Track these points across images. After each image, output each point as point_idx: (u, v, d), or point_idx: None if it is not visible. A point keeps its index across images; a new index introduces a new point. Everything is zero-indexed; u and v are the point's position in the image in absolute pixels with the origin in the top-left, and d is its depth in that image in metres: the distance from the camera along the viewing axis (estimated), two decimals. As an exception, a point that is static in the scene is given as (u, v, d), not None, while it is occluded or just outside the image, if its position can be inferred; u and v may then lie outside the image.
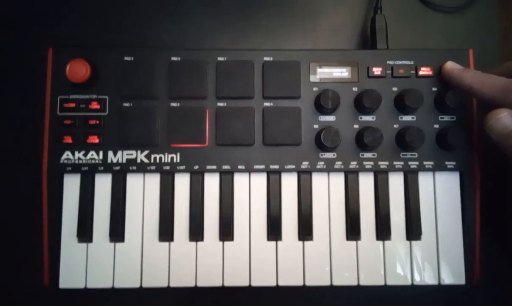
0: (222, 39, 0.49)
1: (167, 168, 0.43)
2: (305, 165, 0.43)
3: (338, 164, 0.43)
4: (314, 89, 0.44)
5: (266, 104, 0.43)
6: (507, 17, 0.51)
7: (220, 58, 0.44)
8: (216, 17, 0.50)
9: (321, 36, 0.50)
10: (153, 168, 0.43)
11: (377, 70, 0.44)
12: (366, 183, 0.44)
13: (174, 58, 0.44)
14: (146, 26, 0.50)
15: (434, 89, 0.44)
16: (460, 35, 0.51)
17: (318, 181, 0.44)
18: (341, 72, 0.44)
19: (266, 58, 0.44)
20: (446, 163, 0.43)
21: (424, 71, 0.44)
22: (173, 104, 0.43)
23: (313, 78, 0.44)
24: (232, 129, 0.43)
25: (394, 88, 0.44)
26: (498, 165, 0.45)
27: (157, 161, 0.43)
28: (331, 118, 0.43)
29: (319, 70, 0.44)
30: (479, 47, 0.48)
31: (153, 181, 0.44)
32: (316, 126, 0.43)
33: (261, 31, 0.50)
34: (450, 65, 0.42)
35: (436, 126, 0.43)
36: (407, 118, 0.43)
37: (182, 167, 0.43)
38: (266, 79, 0.44)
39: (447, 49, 0.44)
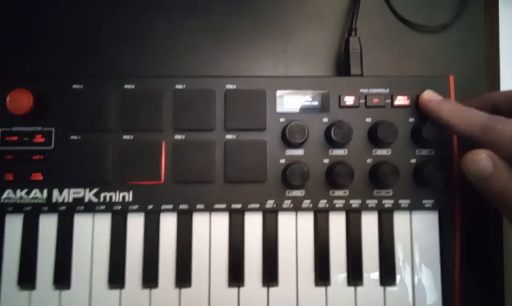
0: (181, 65, 0.46)
1: (119, 207, 0.39)
2: (270, 203, 0.39)
3: (307, 203, 0.39)
4: (281, 120, 0.40)
5: (228, 137, 0.40)
6: (490, 39, 0.48)
7: (179, 86, 0.40)
8: (175, 40, 0.46)
9: (292, 59, 0.47)
10: (102, 207, 0.39)
11: (349, 100, 0.40)
12: (336, 223, 0.40)
13: (127, 86, 0.40)
14: (98, 51, 0.46)
15: (411, 120, 0.40)
16: (441, 58, 0.48)
17: (285, 221, 0.40)
18: (310, 102, 0.40)
19: (228, 86, 0.40)
20: (424, 201, 0.39)
21: (401, 100, 0.40)
22: (126, 137, 0.40)
23: (280, 108, 0.40)
24: (191, 165, 0.39)
25: (368, 119, 0.40)
26: (479, 203, 0.41)
27: (107, 199, 0.39)
28: (299, 152, 0.40)
29: (286, 99, 0.40)
30: (460, 72, 0.45)
31: (103, 222, 0.40)
32: (282, 161, 0.40)
33: (227, 54, 0.46)
34: (427, 95, 0.39)
35: (413, 161, 0.40)
36: (382, 152, 0.40)
37: (135, 207, 0.39)
38: (229, 109, 0.40)
39: (426, 76, 0.41)
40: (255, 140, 0.40)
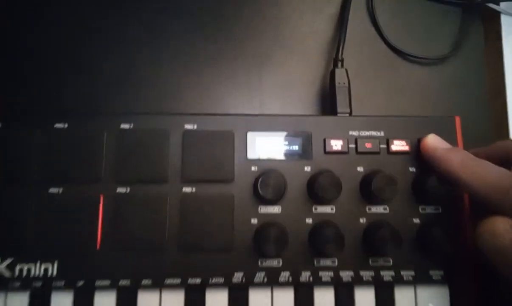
0: (129, 100, 0.38)
1: (39, 284, 0.30)
2: (238, 277, 0.31)
3: (285, 275, 0.31)
4: (253, 169, 0.32)
5: (186, 190, 0.31)
6: (495, 73, 0.42)
7: (124, 126, 0.32)
8: (123, 68, 0.38)
9: (267, 93, 0.39)
10: (18, 284, 0.30)
11: (336, 144, 0.33)
12: (323, 300, 0.32)
13: (58, 126, 0.31)
14: (16, 83, 0.37)
15: (411, 169, 0.33)
16: (439, 94, 0.41)
17: (257, 299, 0.31)
18: (289, 146, 0.33)
19: (187, 126, 0.32)
20: (431, 272, 0.31)
21: (398, 145, 0.33)
22: (53, 190, 0.31)
23: (251, 154, 0.32)
24: (136, 227, 0.30)
25: (360, 169, 0.32)
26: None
27: (25, 273, 0.30)
28: (275, 209, 0.32)
29: (259, 143, 0.32)
30: (461, 109, 0.39)
31: (19, 303, 0.30)
32: (254, 221, 0.31)
33: (188, 87, 0.38)
34: (431, 141, 0.31)
35: (416, 220, 0.32)
36: (378, 209, 0.32)
37: (61, 283, 0.30)
38: (187, 155, 0.32)
39: (427, 117, 0.34)
40: (220, 194, 0.31)
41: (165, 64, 0.38)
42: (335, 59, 0.38)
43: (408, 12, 0.42)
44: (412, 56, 0.41)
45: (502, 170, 0.27)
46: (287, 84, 0.40)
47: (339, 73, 0.37)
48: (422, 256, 0.31)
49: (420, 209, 0.32)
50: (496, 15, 0.42)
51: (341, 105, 0.36)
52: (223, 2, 0.41)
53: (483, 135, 0.40)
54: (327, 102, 0.38)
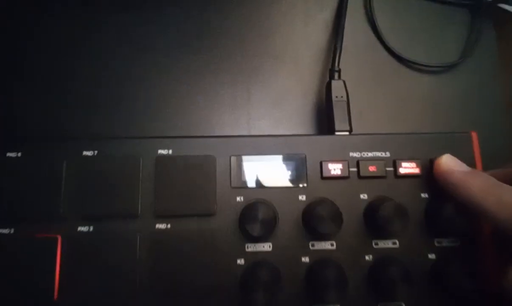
0: (92, 122, 0.33)
1: (-16, 344, 0.25)
2: (222, 329, 0.26)
3: (278, 326, 0.26)
4: (238, 199, 0.27)
5: (159, 226, 0.27)
6: (510, 80, 0.37)
7: (87, 153, 0.27)
8: (87, 85, 0.34)
9: (256, 110, 0.35)
10: (-42, 345, 0.25)
11: (335, 168, 0.28)
12: (324, 355, 0.27)
13: (10, 155, 0.27)
14: None
15: (423, 196, 0.28)
16: (448, 106, 0.37)
17: (245, 355, 0.26)
18: (280, 172, 0.28)
19: (161, 152, 0.28)
20: (450, 318, 0.27)
21: (408, 168, 0.28)
22: (2, 231, 0.26)
23: (236, 182, 0.28)
24: (101, 271, 0.26)
25: (363, 196, 0.28)
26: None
27: (-34, 333, 0.25)
28: (265, 247, 0.27)
29: (245, 169, 0.28)
30: (473, 122, 0.34)
31: None
32: (241, 261, 0.27)
33: (161, 106, 0.34)
34: (447, 163, 0.27)
35: (431, 256, 0.27)
36: (385, 244, 0.27)
37: (9, 342, 0.25)
38: (160, 185, 0.27)
39: (439, 134, 0.29)
40: (199, 231, 0.27)
41: (136, 79, 0.34)
42: (331, 70, 0.33)
43: (411, 15, 0.38)
44: (417, 64, 0.37)
45: None
46: (278, 99, 0.35)
47: (336, 85, 0.33)
48: (438, 298, 0.27)
49: (435, 242, 0.27)
50: (509, 16, 0.38)
51: (339, 122, 0.31)
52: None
53: (499, 152, 0.36)
54: (323, 120, 0.34)
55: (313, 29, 0.37)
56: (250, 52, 0.37)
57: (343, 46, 0.34)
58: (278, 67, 0.36)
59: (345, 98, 0.32)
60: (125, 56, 0.34)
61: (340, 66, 0.33)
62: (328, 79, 0.33)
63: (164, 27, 0.36)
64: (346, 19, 0.36)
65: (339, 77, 0.33)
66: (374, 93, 0.36)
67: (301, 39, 0.37)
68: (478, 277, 0.26)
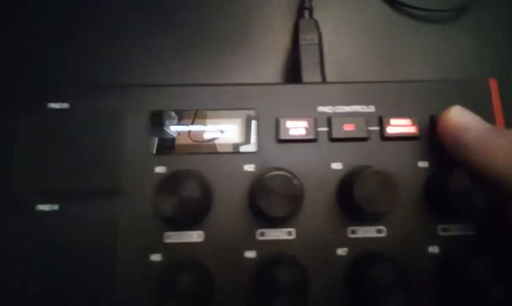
0: None
1: None
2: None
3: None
4: (158, 170, 0.19)
5: (42, 208, 0.19)
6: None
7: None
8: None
9: (205, 51, 0.27)
10: None
11: (297, 127, 0.20)
12: None
13: None
14: None
15: (422, 165, 0.20)
16: (458, 57, 0.28)
17: None
18: (219, 133, 0.20)
19: (53, 105, 0.20)
20: (463, 340, 0.18)
21: (399, 126, 0.20)
22: None
23: (154, 148, 0.20)
24: None
25: (336, 166, 0.20)
26: None
27: None
28: (194, 236, 0.19)
29: (170, 128, 0.20)
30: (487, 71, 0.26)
31: None
32: (157, 257, 0.19)
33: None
34: (457, 117, 0.19)
35: (433, 249, 0.19)
36: (366, 233, 0.19)
37: None
38: (44, 152, 0.19)
39: (445, 81, 0.21)
40: (99, 214, 0.19)
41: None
42: (300, 6, 0.25)
43: None
44: (417, 8, 0.29)
45: None
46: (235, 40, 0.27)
47: (305, 25, 0.25)
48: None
49: (439, 230, 0.19)
50: None
51: (308, 71, 0.23)
52: None
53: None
54: (291, 68, 0.25)
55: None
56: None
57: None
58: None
59: (316, 41, 0.24)
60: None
61: (314, 4, 0.25)
62: (296, 18, 0.25)
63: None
64: None
65: (311, 15, 0.25)
66: (362, 45, 0.28)
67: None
68: (500, 278, 0.17)
